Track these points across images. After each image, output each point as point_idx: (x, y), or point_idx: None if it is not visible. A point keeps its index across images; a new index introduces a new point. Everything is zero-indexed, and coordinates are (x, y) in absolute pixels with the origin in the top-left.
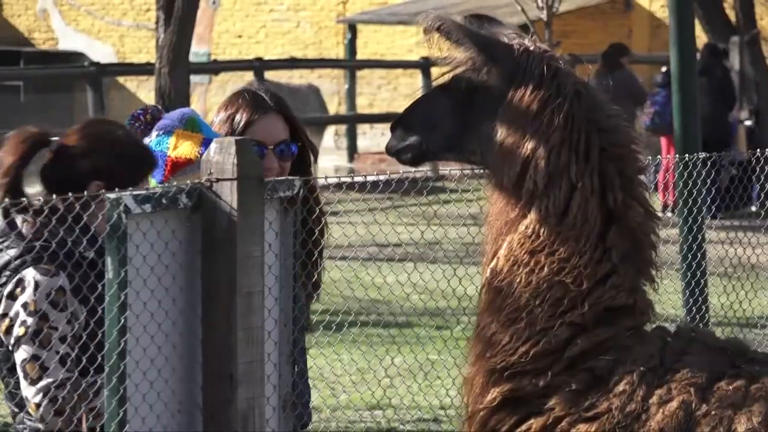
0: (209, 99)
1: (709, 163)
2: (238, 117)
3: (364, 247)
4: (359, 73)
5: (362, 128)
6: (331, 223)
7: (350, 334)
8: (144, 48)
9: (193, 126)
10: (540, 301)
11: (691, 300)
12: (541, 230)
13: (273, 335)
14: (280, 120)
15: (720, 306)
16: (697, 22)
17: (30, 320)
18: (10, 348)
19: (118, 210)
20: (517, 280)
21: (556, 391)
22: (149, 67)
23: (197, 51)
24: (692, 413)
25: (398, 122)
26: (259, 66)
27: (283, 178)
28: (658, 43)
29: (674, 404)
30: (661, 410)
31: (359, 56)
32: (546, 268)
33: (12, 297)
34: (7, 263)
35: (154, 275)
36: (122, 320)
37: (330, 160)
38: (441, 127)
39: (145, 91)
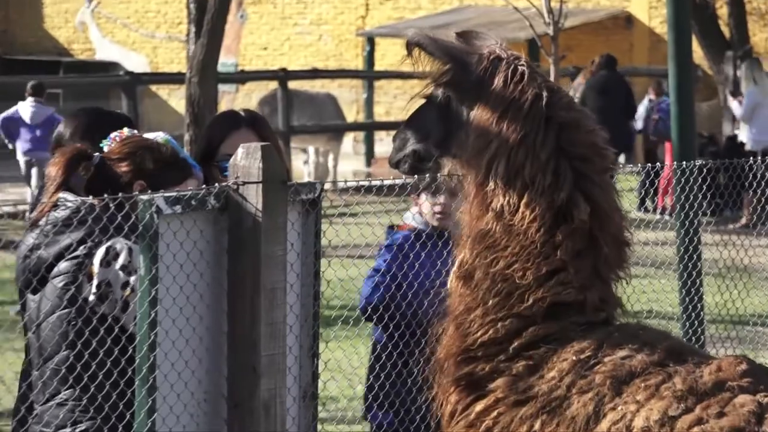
0: (236, 106)
1: (705, 170)
2: (214, 133)
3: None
4: (377, 83)
5: (379, 135)
6: (350, 224)
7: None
8: (176, 59)
9: (167, 143)
10: (494, 293)
11: (687, 299)
12: (497, 227)
13: (294, 329)
14: (253, 135)
15: (714, 304)
16: (693, 38)
17: (133, 279)
18: (113, 311)
19: (151, 210)
20: (478, 273)
21: (500, 376)
22: (180, 76)
23: (225, 62)
24: (603, 405)
25: (396, 134)
26: (283, 76)
27: (305, 181)
28: (657, 56)
29: (589, 395)
30: (578, 399)
31: (377, 67)
32: (501, 262)
33: (106, 264)
34: (81, 240)
35: (183, 272)
36: (153, 314)
37: (349, 164)
38: (432, 136)
39: (176, 99)
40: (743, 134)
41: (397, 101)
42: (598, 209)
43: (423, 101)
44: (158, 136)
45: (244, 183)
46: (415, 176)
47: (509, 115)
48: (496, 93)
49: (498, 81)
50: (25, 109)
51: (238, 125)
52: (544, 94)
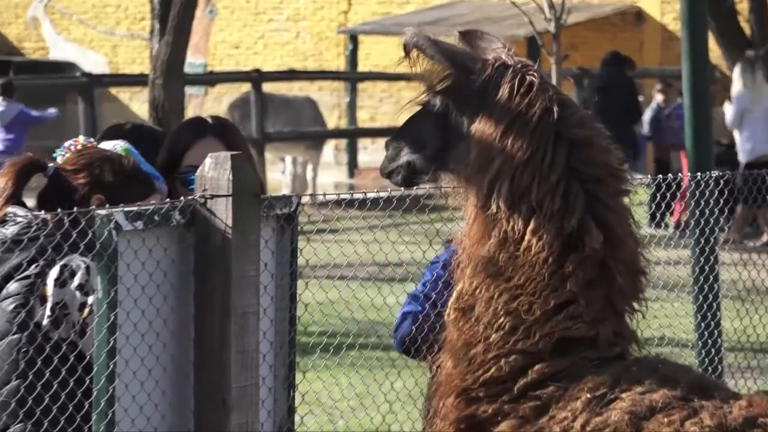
0: (205, 111)
1: (722, 182)
2: (176, 142)
3: (364, 267)
4: (361, 86)
5: (363, 143)
6: (330, 242)
7: (348, 358)
8: (138, 58)
9: (126, 153)
10: (496, 328)
11: (703, 324)
12: (500, 256)
13: (268, 358)
14: (221, 145)
15: (733, 330)
16: (710, 35)
17: (91, 299)
18: (69, 336)
19: (109, 227)
20: (479, 305)
21: (505, 418)
22: (143, 78)
23: (193, 62)
24: None
25: (389, 142)
26: (256, 78)
27: (280, 194)
28: (670, 56)
29: None
30: None
31: (361, 68)
32: (504, 294)
33: (62, 284)
34: (32, 259)
35: (145, 295)
36: (111, 341)
37: (329, 175)
38: (428, 146)
39: (138, 102)
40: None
41: (383, 105)
42: (611, 236)
43: (418, 108)
44: (117, 145)
45: (213, 196)
46: (404, 189)
47: (515, 130)
48: (500, 104)
49: (503, 91)
50: None
51: (204, 133)
52: (555, 108)
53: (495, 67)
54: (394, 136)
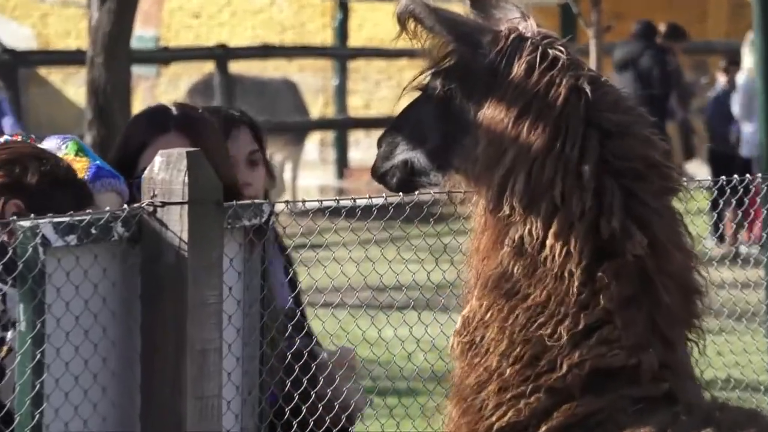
0: (157, 97)
1: None
2: (131, 138)
3: (354, 292)
4: (352, 65)
5: (355, 135)
6: (311, 260)
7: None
8: (73, 31)
9: (76, 150)
10: (513, 360)
11: None
12: (515, 268)
13: (233, 406)
14: (186, 142)
15: None
16: None
17: (10, 335)
18: None
19: (34, 242)
20: (490, 331)
21: None
22: (79, 55)
23: (142, 35)
24: None
25: (383, 137)
26: (221, 54)
27: (249, 201)
28: (739, 27)
29: None
30: None
31: (352, 43)
32: (521, 316)
33: None
34: None
35: (80, 327)
36: (37, 385)
37: (313, 176)
38: (429, 140)
39: (74, 86)
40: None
41: (380, 89)
42: (655, 243)
43: (417, 94)
44: (65, 141)
45: (164, 204)
46: (402, 194)
47: (532, 114)
48: (515, 84)
49: (518, 68)
50: None
51: (166, 127)
52: (585, 86)
53: (509, 40)
54: (388, 129)
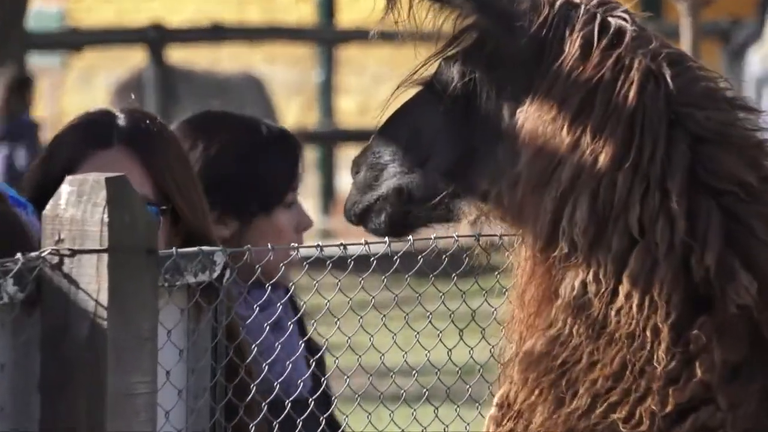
0: (64, 97)
1: None
2: (57, 154)
3: (344, 377)
4: (341, 53)
5: (346, 152)
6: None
7: None
8: None
9: None
10: None
11: None
12: (575, 326)
13: None
14: (131, 162)
15: None
16: None
17: None
18: None
19: None
20: (537, 417)
21: None
22: None
23: (43, 11)
24: None
25: (360, 157)
26: (156, 38)
27: (195, 248)
28: None
29: None
30: None
31: (341, 22)
32: (584, 396)
33: None
34: None
35: None
36: None
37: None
38: (434, 156)
39: None
40: None
41: (381, 88)
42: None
43: (415, 93)
44: None
45: (74, 252)
46: (433, 234)
47: (596, 112)
48: (568, 70)
49: (571, 47)
50: None
51: (107, 139)
52: (665, 71)
53: (555, 8)
54: (368, 146)
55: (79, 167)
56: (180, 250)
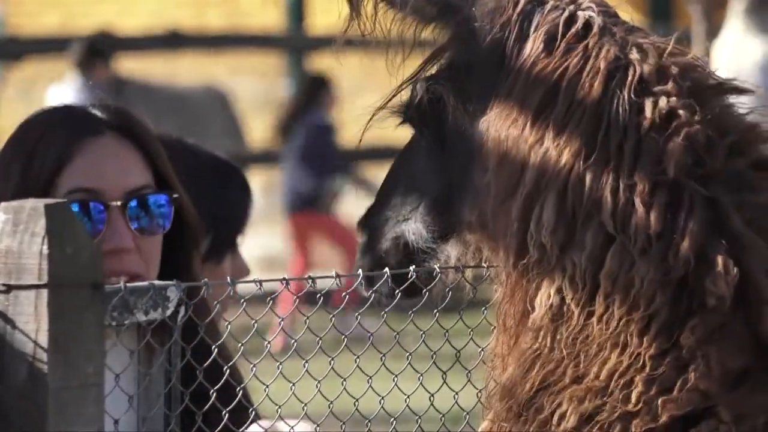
0: (1, 112)
1: None
2: (41, 152)
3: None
4: (312, 62)
5: None
6: (245, 374)
7: None
8: None
9: None
10: None
11: None
12: (557, 338)
13: None
14: (126, 149)
15: None
16: None
17: None
18: None
19: None
20: None
21: None
22: None
23: None
24: None
25: (365, 217)
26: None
27: (145, 283)
28: None
29: None
30: None
31: (315, 26)
32: (571, 417)
33: None
34: None
35: None
36: None
37: (254, 242)
38: (426, 195)
39: None
40: None
41: (358, 101)
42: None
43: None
44: None
45: (9, 288)
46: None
47: (559, 106)
48: (530, 66)
49: (534, 42)
50: None
51: (98, 128)
52: (634, 57)
53: (519, 6)
54: (372, 205)
55: (72, 161)
56: (129, 284)
